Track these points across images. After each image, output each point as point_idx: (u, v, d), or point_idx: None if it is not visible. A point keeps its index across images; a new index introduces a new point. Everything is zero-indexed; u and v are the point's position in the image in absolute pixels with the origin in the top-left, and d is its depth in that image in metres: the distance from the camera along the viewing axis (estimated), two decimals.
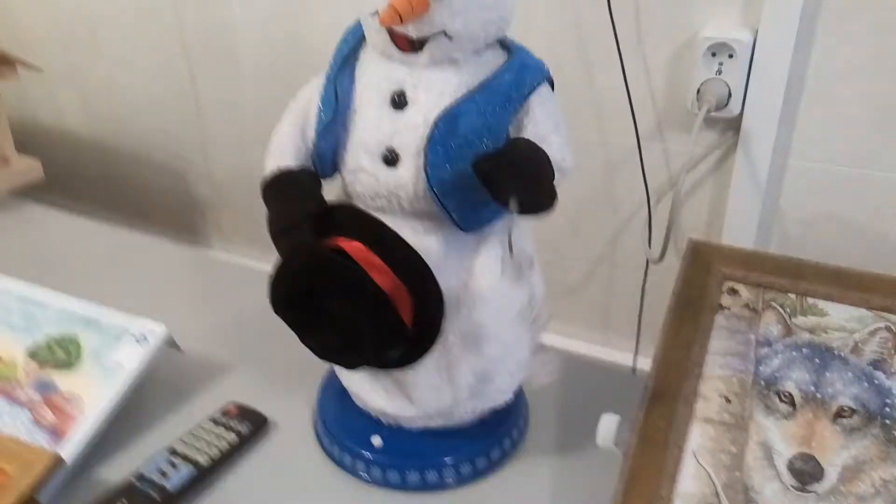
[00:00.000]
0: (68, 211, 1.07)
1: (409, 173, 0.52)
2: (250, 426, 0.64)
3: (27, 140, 1.19)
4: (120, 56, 1.19)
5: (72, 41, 1.22)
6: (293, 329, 0.53)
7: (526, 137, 0.51)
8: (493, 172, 0.48)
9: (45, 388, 0.65)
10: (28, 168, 1.10)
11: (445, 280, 0.53)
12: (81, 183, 1.35)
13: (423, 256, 0.51)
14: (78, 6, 1.18)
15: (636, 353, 0.92)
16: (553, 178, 0.51)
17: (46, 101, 1.31)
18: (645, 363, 0.74)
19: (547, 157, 0.50)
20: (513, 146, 0.50)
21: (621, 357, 0.95)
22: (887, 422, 0.50)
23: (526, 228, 0.59)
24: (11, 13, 1.25)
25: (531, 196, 0.49)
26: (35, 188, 1.10)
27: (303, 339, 0.53)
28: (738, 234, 0.84)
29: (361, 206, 0.55)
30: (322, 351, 0.54)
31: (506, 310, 0.56)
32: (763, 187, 0.81)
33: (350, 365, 0.56)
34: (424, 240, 0.53)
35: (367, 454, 0.60)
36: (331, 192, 0.57)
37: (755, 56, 0.76)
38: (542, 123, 0.52)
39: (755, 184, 0.81)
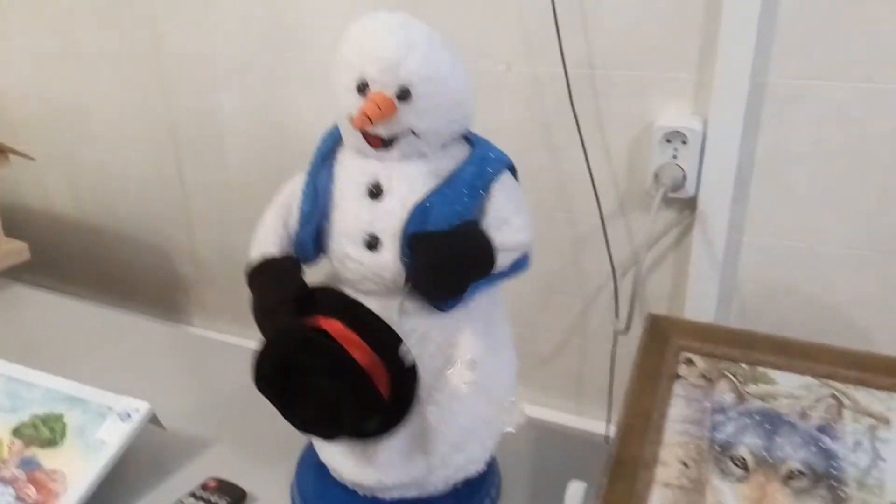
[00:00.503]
0: (54, 291, 1.10)
1: (390, 255, 0.56)
2: (229, 500, 0.66)
3: (14, 223, 1.22)
4: (109, 141, 1.24)
5: (62, 127, 1.27)
6: (275, 405, 0.56)
7: (473, 225, 0.56)
8: (413, 250, 0.54)
9: (30, 466, 0.67)
10: (16, 250, 1.12)
11: (430, 354, 0.57)
12: (68, 263, 1.38)
13: (400, 333, 0.55)
14: (69, 94, 1.23)
15: (608, 421, 0.95)
16: (472, 268, 0.56)
17: (34, 184, 1.35)
18: None
19: (480, 246, 0.55)
20: (444, 234, 0.55)
21: (594, 425, 0.97)
22: (833, 483, 0.54)
23: (501, 306, 0.63)
24: (5, 103, 1.30)
25: (423, 284, 0.55)
26: (21, 269, 1.12)
27: (284, 414, 0.56)
28: (700, 305, 0.88)
29: (351, 290, 0.59)
30: (303, 424, 0.57)
31: (484, 384, 0.59)
32: (720, 262, 0.86)
33: (330, 437, 0.59)
34: (411, 319, 0.57)
35: None
36: (312, 276, 0.61)
37: (706, 142, 0.82)
38: (503, 207, 0.57)
39: (713, 259, 0.86)
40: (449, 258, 0.54)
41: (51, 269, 1.35)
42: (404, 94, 0.53)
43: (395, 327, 0.55)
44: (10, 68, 1.27)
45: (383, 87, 0.53)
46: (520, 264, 0.60)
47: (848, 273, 0.82)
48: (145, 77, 1.14)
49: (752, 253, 0.86)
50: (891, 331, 0.83)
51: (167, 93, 1.14)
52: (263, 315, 0.57)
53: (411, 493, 0.62)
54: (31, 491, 0.65)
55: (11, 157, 1.10)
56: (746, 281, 0.88)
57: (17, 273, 1.12)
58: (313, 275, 0.61)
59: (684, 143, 0.82)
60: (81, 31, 1.18)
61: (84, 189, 1.31)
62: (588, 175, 0.88)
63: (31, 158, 1.10)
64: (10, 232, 1.14)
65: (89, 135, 1.25)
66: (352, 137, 0.57)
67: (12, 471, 0.67)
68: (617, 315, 0.92)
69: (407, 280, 0.55)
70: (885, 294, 0.82)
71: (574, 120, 0.86)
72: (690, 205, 0.86)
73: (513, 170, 0.60)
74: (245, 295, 0.59)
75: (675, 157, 0.83)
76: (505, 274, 0.59)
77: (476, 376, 0.58)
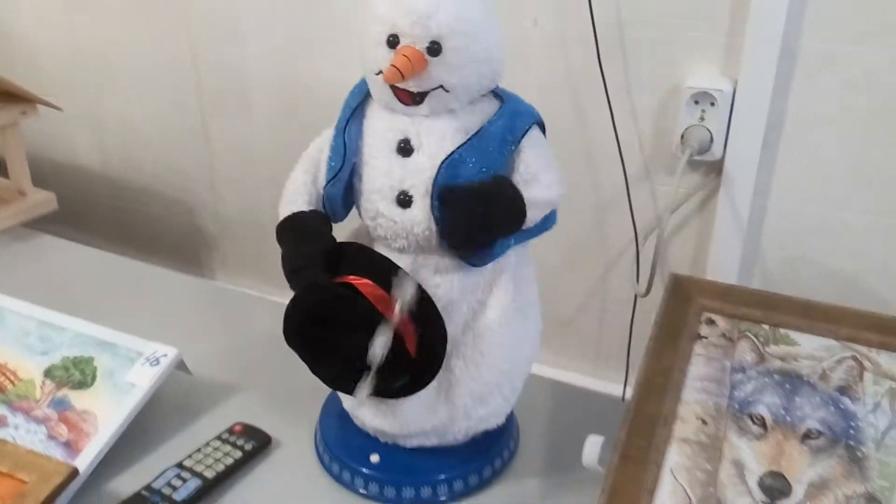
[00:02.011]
0: (80, 243, 1.12)
1: (422, 213, 0.56)
2: (255, 444, 0.68)
3: (41, 174, 1.24)
4: (135, 95, 1.24)
5: (88, 80, 1.28)
6: (304, 360, 0.57)
7: (504, 179, 0.56)
8: (443, 204, 0.54)
9: (61, 406, 0.69)
10: (43, 201, 1.14)
11: (458, 311, 0.58)
12: (93, 216, 1.40)
13: (431, 291, 0.55)
14: (96, 45, 1.24)
15: (626, 382, 0.96)
16: (502, 223, 0.56)
17: (61, 136, 1.36)
18: None
19: (510, 201, 0.55)
20: (475, 188, 0.55)
21: (612, 388, 0.98)
22: (851, 443, 0.54)
23: (531, 266, 0.63)
24: (32, 53, 1.31)
25: (455, 239, 0.56)
26: (48, 220, 1.14)
27: (313, 369, 0.57)
28: (722, 270, 0.88)
29: (383, 248, 0.59)
30: (331, 380, 0.58)
31: (509, 341, 0.60)
32: (744, 227, 0.86)
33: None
34: (443, 276, 0.58)
35: (366, 470, 0.63)
36: (341, 233, 0.62)
37: (735, 104, 0.81)
38: (532, 163, 0.57)
39: (737, 223, 0.86)
40: (480, 212, 0.54)
41: (76, 222, 1.37)
42: (435, 49, 0.53)
43: (425, 285, 0.56)
44: (39, 16, 1.27)
45: (414, 40, 0.53)
46: (548, 221, 0.60)
47: (874, 241, 0.82)
48: (172, 30, 1.15)
49: (778, 218, 0.86)
50: None
51: (194, 47, 1.14)
52: (293, 271, 0.57)
53: (431, 442, 0.63)
54: (63, 430, 0.67)
55: (39, 107, 1.11)
56: (770, 247, 0.87)
57: (44, 224, 1.14)
58: (341, 231, 0.62)
59: (713, 104, 0.82)
60: None
61: (109, 142, 1.32)
62: (614, 137, 0.87)
63: (59, 109, 1.11)
64: (37, 183, 1.15)
65: (115, 87, 1.26)
66: (381, 92, 0.57)
67: (44, 410, 0.69)
68: (638, 279, 0.92)
69: (439, 235, 0.56)
70: None
71: (602, 80, 0.85)
72: (716, 168, 0.85)
73: (542, 125, 0.60)
74: (268, 251, 0.60)
75: (702, 119, 0.83)
76: (534, 231, 0.59)
77: (502, 333, 0.59)
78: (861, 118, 0.78)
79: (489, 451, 0.66)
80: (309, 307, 0.55)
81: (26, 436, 0.67)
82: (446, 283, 0.58)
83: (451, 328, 0.57)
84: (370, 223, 0.59)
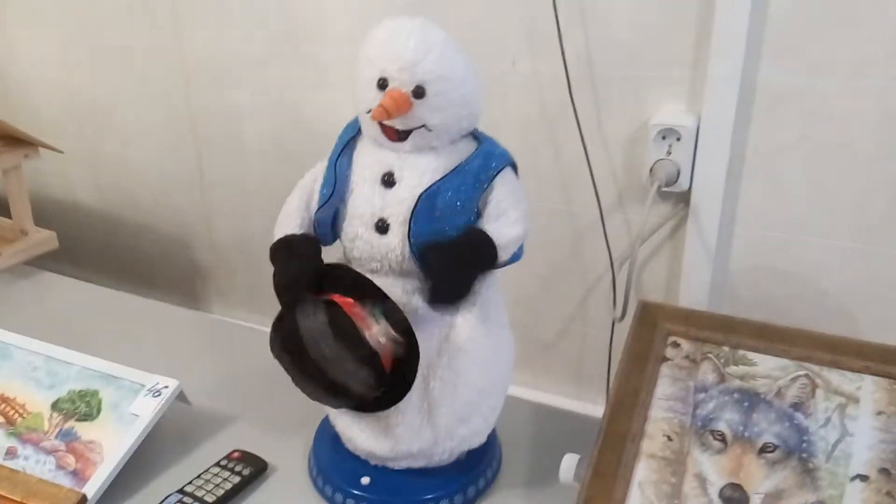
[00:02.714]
0: (79, 279, 1.16)
1: (397, 239, 0.62)
2: (252, 469, 0.72)
3: (42, 213, 1.28)
4: (131, 135, 1.29)
5: (86, 122, 1.32)
6: (289, 372, 0.62)
7: (477, 231, 0.62)
8: (425, 261, 0.60)
9: (69, 437, 0.73)
10: (45, 239, 1.18)
11: (429, 332, 0.63)
12: (91, 253, 1.44)
13: (405, 311, 0.60)
14: (93, 88, 1.29)
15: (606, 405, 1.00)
16: (480, 270, 0.63)
17: (60, 176, 1.41)
18: None
19: (484, 253, 0.61)
20: (453, 245, 0.61)
21: (593, 409, 1.02)
22: (804, 455, 0.59)
23: (496, 289, 0.68)
24: (30, 95, 1.36)
25: (437, 292, 0.62)
26: (47, 258, 1.18)
27: (296, 382, 0.62)
28: (693, 295, 0.93)
29: (359, 268, 0.64)
30: (313, 393, 0.62)
31: (481, 360, 0.65)
32: (713, 253, 0.91)
33: (336, 405, 0.65)
34: (412, 298, 0.63)
35: (357, 492, 0.67)
36: (330, 255, 0.67)
37: (699, 139, 0.86)
38: (503, 199, 0.62)
39: (706, 250, 0.91)
40: (459, 268, 0.61)
41: (75, 259, 1.41)
42: (420, 92, 0.59)
43: (402, 307, 0.60)
44: (37, 61, 1.32)
45: (401, 84, 0.59)
46: (514, 255, 0.65)
47: (834, 263, 0.87)
48: (167, 72, 1.20)
49: (744, 244, 0.91)
50: (875, 318, 0.87)
51: (188, 88, 1.19)
52: (282, 289, 0.63)
53: (419, 463, 0.68)
54: (71, 460, 0.71)
55: (40, 149, 1.15)
56: (738, 271, 0.92)
57: (44, 262, 1.18)
58: (330, 254, 0.67)
59: (678, 139, 0.87)
60: (106, 27, 1.23)
61: (107, 181, 1.37)
62: (588, 169, 0.92)
63: (59, 151, 1.15)
64: (37, 222, 1.20)
65: (112, 128, 1.31)
66: (370, 129, 0.63)
67: (53, 441, 0.72)
68: (615, 304, 0.96)
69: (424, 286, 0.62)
70: (869, 284, 0.86)
71: (574, 116, 0.91)
72: (684, 198, 0.90)
73: (514, 167, 0.65)
74: (262, 282, 0.65)
75: (669, 153, 0.88)
76: (501, 263, 0.64)
77: (475, 351, 0.63)
78: (818, 147, 0.83)
79: (474, 471, 0.70)
80: (293, 323, 0.60)
81: (36, 466, 0.71)
82: (416, 303, 0.63)
83: (425, 350, 0.61)
84: (348, 244, 0.65)
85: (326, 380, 0.60)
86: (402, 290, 0.63)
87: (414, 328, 0.60)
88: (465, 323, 0.64)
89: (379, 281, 0.62)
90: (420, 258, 0.61)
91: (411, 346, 0.60)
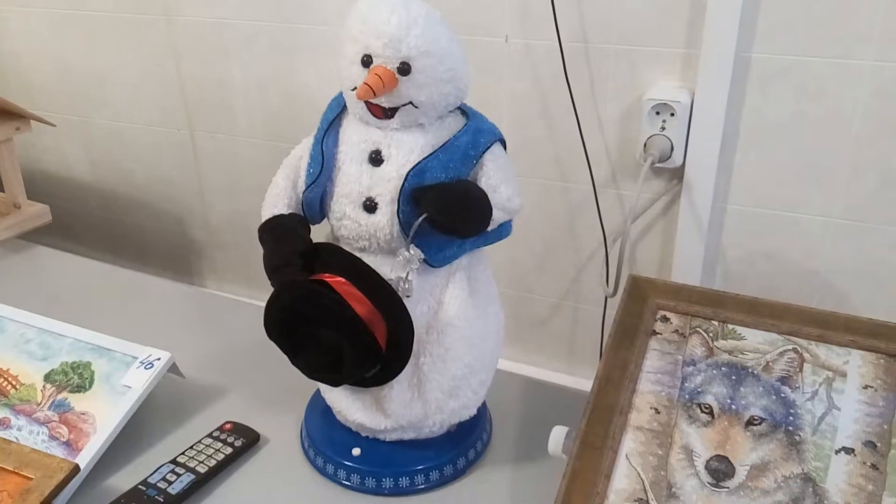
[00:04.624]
0: (72, 253, 1.16)
1: (385, 218, 0.61)
2: (244, 441, 0.72)
3: (34, 187, 1.28)
4: (124, 109, 1.29)
5: (79, 96, 1.32)
6: (284, 352, 0.62)
7: (470, 182, 0.61)
8: (421, 196, 0.59)
9: (61, 408, 0.73)
10: (38, 213, 1.18)
11: (418, 309, 0.63)
12: (84, 227, 1.44)
13: (396, 289, 0.60)
14: (84, 60, 1.28)
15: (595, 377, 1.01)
16: (477, 211, 0.61)
17: (52, 149, 1.40)
18: None
19: (478, 194, 0.60)
20: (445, 183, 0.60)
21: (585, 384, 1.03)
22: (790, 428, 0.59)
23: (485, 265, 0.68)
24: (23, 69, 1.35)
25: (442, 216, 0.59)
26: (41, 232, 1.18)
27: (292, 360, 0.62)
28: (686, 271, 0.93)
29: (346, 247, 0.64)
30: (309, 370, 0.63)
31: (470, 336, 0.65)
32: (705, 229, 0.91)
33: (333, 382, 0.65)
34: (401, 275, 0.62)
35: (348, 463, 0.68)
36: (318, 234, 0.67)
37: (693, 114, 0.86)
38: (493, 176, 0.62)
39: (698, 226, 0.91)
40: (456, 196, 0.60)
41: (68, 233, 1.41)
42: (405, 68, 0.58)
43: (393, 284, 0.60)
44: (28, 34, 1.31)
45: (386, 61, 0.58)
46: (502, 230, 0.65)
47: (825, 240, 0.87)
48: (158, 44, 1.19)
49: (736, 220, 0.91)
50: (865, 295, 0.88)
51: (179, 61, 1.19)
52: (273, 270, 0.62)
53: (409, 435, 0.68)
54: (64, 430, 0.71)
55: (32, 123, 1.15)
56: (730, 247, 0.93)
57: (37, 236, 1.18)
58: (319, 234, 0.67)
59: (672, 115, 0.87)
60: None
61: (99, 155, 1.36)
62: (582, 145, 0.92)
63: (52, 124, 1.15)
64: (31, 196, 1.19)
65: (104, 101, 1.30)
66: (356, 106, 0.62)
67: (46, 412, 0.73)
68: (607, 280, 0.97)
69: (422, 211, 0.59)
70: (859, 261, 0.87)
71: (568, 92, 0.90)
72: (678, 174, 0.90)
73: (503, 143, 0.65)
74: (255, 257, 0.65)
75: (663, 128, 0.88)
76: (490, 237, 0.64)
77: (463, 327, 0.64)
78: (811, 124, 0.84)
79: (463, 443, 0.70)
80: (286, 302, 0.60)
81: (29, 436, 0.71)
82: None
83: (415, 326, 0.61)
84: (335, 223, 0.64)
85: (321, 359, 0.60)
86: (391, 269, 0.63)
87: (407, 305, 0.60)
88: (453, 299, 0.64)
89: (367, 259, 0.62)
90: (413, 200, 0.60)
91: (404, 324, 0.60)
